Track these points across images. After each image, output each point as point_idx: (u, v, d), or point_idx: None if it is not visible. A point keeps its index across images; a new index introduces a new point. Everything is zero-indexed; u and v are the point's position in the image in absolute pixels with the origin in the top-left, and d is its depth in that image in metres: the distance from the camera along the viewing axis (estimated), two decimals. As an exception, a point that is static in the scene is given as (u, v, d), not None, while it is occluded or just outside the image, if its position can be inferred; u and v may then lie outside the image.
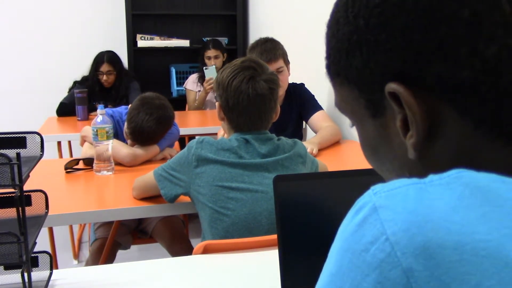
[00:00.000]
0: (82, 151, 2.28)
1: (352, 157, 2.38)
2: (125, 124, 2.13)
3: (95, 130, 1.98)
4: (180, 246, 2.26)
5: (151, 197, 1.70)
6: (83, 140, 2.29)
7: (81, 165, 2.11)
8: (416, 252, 0.35)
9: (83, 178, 2.01)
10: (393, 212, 0.37)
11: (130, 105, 2.14)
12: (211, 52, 3.86)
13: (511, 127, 0.43)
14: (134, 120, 2.05)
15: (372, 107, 0.48)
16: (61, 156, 3.23)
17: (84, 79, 3.55)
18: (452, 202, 0.37)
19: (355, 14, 0.46)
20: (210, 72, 3.54)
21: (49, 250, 1.51)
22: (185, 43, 4.47)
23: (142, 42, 4.38)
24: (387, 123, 0.48)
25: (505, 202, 0.37)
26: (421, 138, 0.45)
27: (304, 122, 2.76)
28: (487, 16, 0.41)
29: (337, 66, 0.50)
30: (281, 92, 2.51)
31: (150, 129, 2.06)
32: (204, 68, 3.58)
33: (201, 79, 3.84)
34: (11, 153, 0.92)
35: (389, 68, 0.45)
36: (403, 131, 0.46)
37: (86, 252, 3.11)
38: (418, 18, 0.43)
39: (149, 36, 4.42)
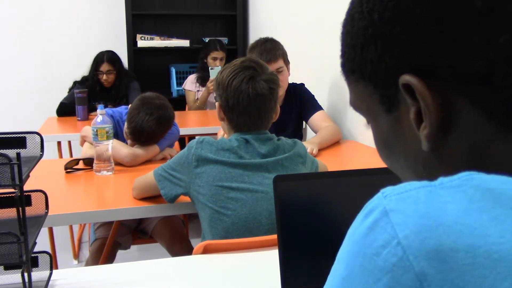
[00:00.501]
0: (82, 151, 2.28)
1: (352, 157, 2.38)
2: (125, 124, 2.13)
3: (95, 130, 1.98)
4: (180, 246, 2.26)
5: (151, 197, 1.70)
6: (83, 140, 2.29)
7: (81, 165, 2.11)
8: (429, 256, 0.35)
9: (83, 178, 2.01)
10: (404, 215, 0.37)
11: (130, 105, 2.14)
12: (218, 54, 3.84)
13: None
14: (134, 120, 2.05)
15: (387, 102, 0.49)
16: (61, 156, 3.23)
17: (84, 79, 3.55)
18: (463, 205, 0.37)
19: (370, 9, 0.47)
20: (216, 73, 3.54)
21: (49, 250, 1.51)
22: (185, 43, 4.47)
23: (142, 42, 4.38)
24: (401, 118, 0.48)
25: None
26: (435, 130, 0.45)
27: (304, 122, 2.76)
28: (500, 6, 0.41)
29: (352, 63, 0.51)
30: (281, 92, 2.51)
31: (150, 129, 2.06)
32: (210, 68, 3.58)
33: (200, 79, 3.84)
34: (11, 153, 0.92)
35: (403, 61, 0.45)
36: (416, 124, 0.46)
37: (86, 252, 3.11)
38: (431, 9, 0.43)
39: (149, 36, 4.42)
